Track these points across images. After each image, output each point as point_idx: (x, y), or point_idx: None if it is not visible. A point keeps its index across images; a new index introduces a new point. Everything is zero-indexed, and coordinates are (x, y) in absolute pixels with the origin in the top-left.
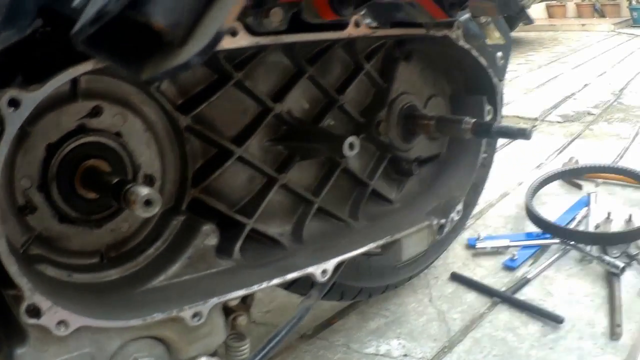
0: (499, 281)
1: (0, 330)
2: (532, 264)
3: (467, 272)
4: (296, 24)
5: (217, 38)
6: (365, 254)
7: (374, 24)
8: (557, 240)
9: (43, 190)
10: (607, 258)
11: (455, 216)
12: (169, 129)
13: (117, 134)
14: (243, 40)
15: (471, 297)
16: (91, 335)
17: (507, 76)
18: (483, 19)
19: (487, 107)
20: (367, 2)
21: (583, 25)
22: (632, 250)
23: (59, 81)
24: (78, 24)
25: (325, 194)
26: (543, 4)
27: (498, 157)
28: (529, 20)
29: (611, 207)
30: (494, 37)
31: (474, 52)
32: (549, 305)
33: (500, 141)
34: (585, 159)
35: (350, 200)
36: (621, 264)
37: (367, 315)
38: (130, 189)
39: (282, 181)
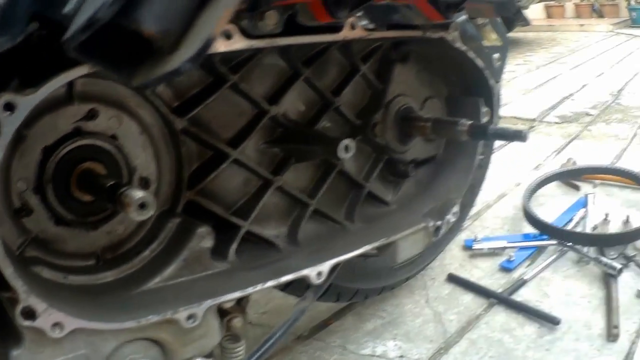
0: (496, 282)
1: None
2: (529, 265)
3: (464, 274)
4: (292, 27)
5: (207, 45)
6: (362, 256)
7: (370, 26)
8: (554, 242)
9: (39, 192)
10: (604, 259)
11: (451, 218)
12: (164, 131)
13: (113, 136)
14: (238, 43)
15: (468, 299)
16: (86, 337)
17: (506, 77)
18: (480, 21)
19: (484, 109)
20: (363, 5)
21: (581, 25)
22: (630, 251)
23: (53, 85)
24: (69, 30)
25: (321, 196)
26: (541, 4)
27: (496, 158)
28: (525, 22)
29: (609, 208)
30: (491, 38)
31: (471, 54)
32: (545, 306)
33: (498, 142)
34: (583, 160)
35: (346, 202)
36: (618, 265)
37: (364, 317)
38: (125, 192)
39: (277, 183)
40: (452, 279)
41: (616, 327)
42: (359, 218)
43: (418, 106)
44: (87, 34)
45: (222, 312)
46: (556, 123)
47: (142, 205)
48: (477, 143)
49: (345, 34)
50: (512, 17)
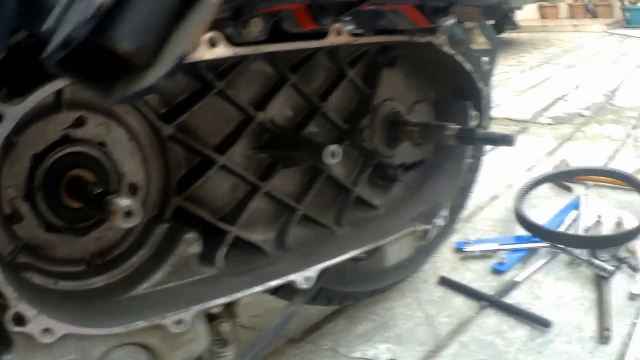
0: (488, 285)
1: None
2: (521, 267)
3: (455, 276)
4: (277, 33)
5: (181, 61)
6: (352, 260)
7: (357, 31)
8: (546, 244)
9: (29, 199)
10: (596, 261)
11: (440, 222)
12: (152, 138)
13: (101, 143)
14: (223, 50)
15: (459, 301)
16: (76, 342)
17: (498, 78)
18: (468, 24)
19: (473, 113)
20: (348, 11)
21: (575, 26)
22: (622, 253)
23: (40, 95)
24: (48, 47)
25: (309, 200)
26: (535, 5)
27: (488, 160)
28: (514, 26)
29: (601, 210)
30: (480, 42)
31: (459, 58)
32: (537, 309)
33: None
34: (576, 162)
35: (334, 206)
36: (611, 268)
37: (355, 319)
38: (111, 200)
39: (265, 189)
40: (444, 281)
41: (608, 329)
42: (348, 222)
43: (406, 110)
44: (65, 52)
45: (211, 317)
46: (549, 124)
47: (128, 213)
48: (465, 147)
49: (331, 40)
50: (501, 21)
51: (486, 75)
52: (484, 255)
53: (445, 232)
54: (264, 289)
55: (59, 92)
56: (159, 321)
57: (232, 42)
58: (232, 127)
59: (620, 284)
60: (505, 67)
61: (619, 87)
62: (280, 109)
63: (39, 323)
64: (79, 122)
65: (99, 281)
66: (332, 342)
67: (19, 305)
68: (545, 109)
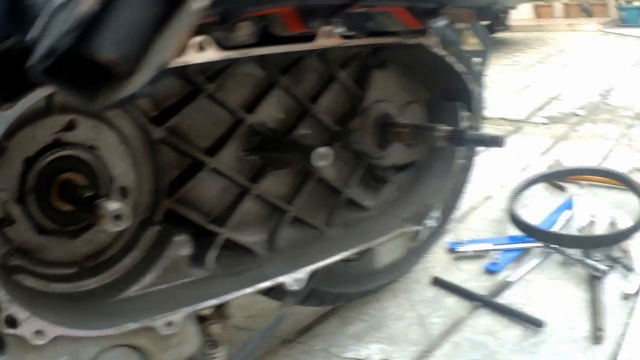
0: (481, 285)
1: None
2: (514, 267)
3: (448, 276)
4: (266, 36)
5: (162, 70)
6: (343, 261)
7: (348, 33)
8: (539, 244)
9: (21, 203)
10: (590, 261)
11: (432, 223)
12: (143, 141)
13: (92, 147)
14: (212, 54)
15: (452, 302)
16: (68, 343)
17: (493, 77)
18: (460, 26)
19: (463, 114)
20: (336, 14)
21: (570, 25)
22: (616, 253)
23: (31, 100)
24: (33, 57)
25: (300, 202)
26: (530, 4)
27: (482, 160)
28: (504, 27)
29: (595, 210)
30: (471, 43)
31: (450, 59)
32: (530, 309)
33: None
34: (570, 161)
35: (325, 208)
36: (604, 267)
37: (347, 320)
38: (100, 203)
39: (255, 191)
40: (436, 282)
41: (601, 329)
42: (339, 224)
43: (398, 112)
44: (49, 61)
45: (202, 319)
46: (543, 124)
47: (117, 217)
48: (455, 148)
49: (320, 42)
50: (493, 22)
51: (478, 76)
52: (477, 255)
53: (437, 232)
54: (254, 291)
55: (50, 97)
56: (149, 323)
57: (221, 45)
58: (222, 130)
59: (613, 284)
60: (499, 66)
61: (614, 87)
62: (270, 112)
63: (31, 325)
64: (70, 126)
65: (90, 283)
66: (324, 342)
67: (11, 307)
68: (540, 109)
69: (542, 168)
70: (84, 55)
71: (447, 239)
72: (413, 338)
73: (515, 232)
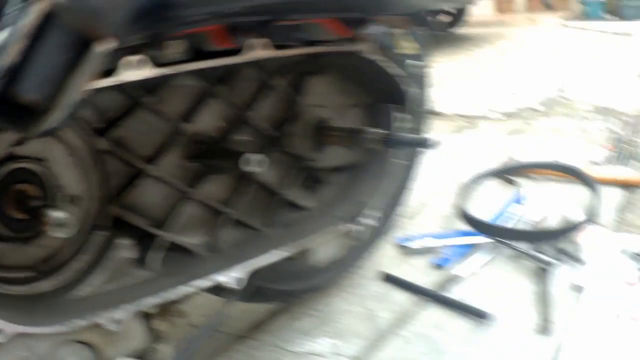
0: (429, 280)
1: None
2: (463, 262)
3: (397, 272)
4: (199, 52)
5: (76, 105)
6: (284, 259)
7: (280, 44)
8: (489, 239)
9: None
10: (538, 254)
11: (369, 221)
12: (90, 151)
13: (41, 159)
14: (147, 71)
15: (400, 296)
16: (26, 340)
17: (449, 74)
18: (398, 31)
19: (397, 116)
20: (263, 28)
21: (531, 19)
22: (566, 245)
23: None
24: None
25: (240, 205)
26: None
27: (434, 156)
28: (443, 31)
29: (546, 204)
30: (407, 46)
31: (386, 63)
32: (479, 302)
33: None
34: (526, 156)
35: (265, 209)
36: (553, 260)
37: (297, 315)
38: (46, 212)
39: (195, 195)
40: (385, 277)
41: (549, 320)
42: (279, 224)
43: (336, 115)
44: None
45: (148, 316)
46: (499, 119)
47: (60, 225)
48: (388, 149)
49: (251, 55)
50: (430, 27)
51: (417, 78)
52: (426, 250)
53: (380, 230)
54: (195, 290)
55: None
56: (98, 320)
57: (156, 63)
58: (162, 139)
59: (562, 276)
60: (455, 63)
61: (573, 81)
62: (209, 120)
63: None
64: (21, 141)
65: (45, 285)
66: (274, 337)
67: None
68: (496, 104)
69: (495, 163)
70: (12, 97)
71: (398, 234)
72: (361, 332)
73: (465, 227)
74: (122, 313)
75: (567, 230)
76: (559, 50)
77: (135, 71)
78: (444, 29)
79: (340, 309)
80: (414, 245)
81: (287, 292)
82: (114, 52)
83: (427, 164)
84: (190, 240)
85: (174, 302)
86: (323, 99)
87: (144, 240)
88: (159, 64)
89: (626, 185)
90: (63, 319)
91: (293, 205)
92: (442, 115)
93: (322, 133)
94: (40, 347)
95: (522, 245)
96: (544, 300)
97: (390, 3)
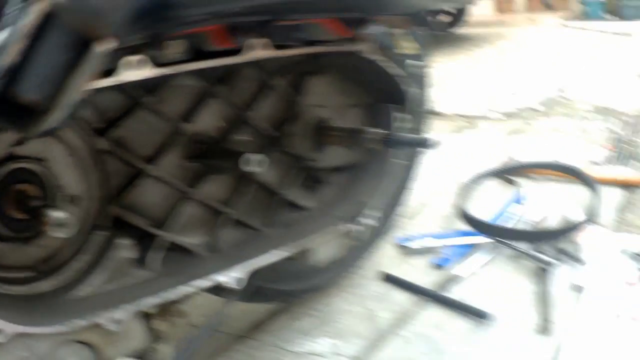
0: (429, 280)
1: None
2: (463, 262)
3: (397, 272)
4: (200, 51)
5: (75, 106)
6: (284, 259)
7: (280, 44)
8: (489, 239)
9: None
10: (538, 255)
11: (369, 221)
12: (90, 151)
13: (41, 159)
14: (148, 71)
15: (401, 296)
16: (25, 340)
17: (449, 74)
18: (398, 31)
19: (398, 116)
20: (262, 28)
21: (531, 19)
22: (566, 245)
23: None
24: None
25: (240, 205)
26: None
27: (434, 156)
28: (443, 31)
29: (546, 204)
30: (410, 47)
31: (386, 63)
32: (479, 302)
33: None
34: (526, 156)
35: (265, 209)
36: (553, 260)
37: (297, 315)
38: (45, 212)
39: (195, 196)
40: (385, 277)
41: (550, 320)
42: (279, 224)
43: (336, 115)
44: None
45: (148, 316)
46: (499, 119)
47: (60, 225)
48: (388, 148)
49: (251, 55)
50: (430, 27)
51: (417, 78)
52: (427, 250)
53: (380, 230)
54: (195, 290)
55: None
56: (97, 320)
57: (156, 63)
58: (162, 139)
59: (562, 276)
60: (455, 63)
61: (573, 81)
62: (209, 120)
63: None
64: (21, 141)
65: (45, 285)
66: (274, 337)
67: None
68: (496, 104)
69: (495, 163)
70: (11, 97)
71: (398, 234)
72: (361, 332)
73: (465, 227)
74: (122, 313)
75: (567, 230)
76: (559, 50)
77: (135, 71)
78: (444, 29)
79: (340, 309)
80: (414, 245)
81: (287, 292)
82: (114, 52)
83: (428, 164)
84: (190, 240)
85: (174, 302)
86: (323, 99)
87: (144, 240)
88: (159, 64)
89: (626, 185)
90: (63, 319)
91: (293, 205)
92: (442, 115)
93: (322, 133)
94: (40, 347)
95: (522, 245)
96: (544, 300)
97: (390, 3)
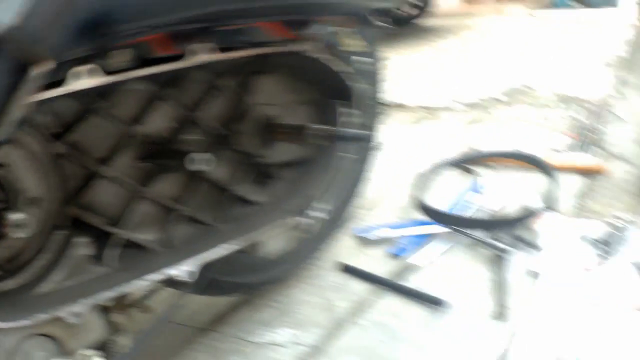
0: (387, 269)
1: None
2: (420, 251)
3: (355, 262)
4: (146, 59)
5: (17, 123)
6: (236, 252)
7: (224, 46)
8: (446, 228)
9: None
10: (495, 242)
11: (318, 214)
12: (49, 155)
13: (3, 164)
14: (97, 80)
15: (358, 286)
16: None
17: (412, 66)
18: (345, 29)
19: (345, 111)
20: (205, 34)
21: (497, 9)
22: (522, 233)
23: None
24: None
25: (192, 201)
26: None
27: (394, 146)
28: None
29: (504, 193)
30: (357, 44)
31: (332, 61)
32: (436, 291)
33: (397, 132)
34: (485, 145)
35: (216, 205)
36: (509, 247)
37: (257, 307)
38: (4, 214)
39: (148, 194)
40: (343, 267)
41: (504, 306)
42: (230, 219)
43: (284, 113)
44: None
45: (106, 309)
46: (461, 110)
47: (18, 226)
48: (334, 143)
49: (194, 59)
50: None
51: (367, 75)
52: (383, 240)
53: (335, 222)
54: (148, 283)
55: None
56: (58, 314)
57: (105, 71)
58: (115, 142)
59: (519, 263)
60: (419, 54)
61: (537, 70)
62: (160, 122)
63: None
64: None
65: (9, 284)
66: (236, 329)
67: None
68: (459, 95)
69: (455, 153)
70: None
71: (354, 226)
72: (320, 321)
73: (422, 217)
74: (81, 307)
75: (523, 217)
76: (525, 40)
77: (85, 80)
78: (408, 21)
79: (300, 300)
80: (371, 236)
81: (244, 284)
82: (60, 65)
83: (387, 156)
84: (145, 236)
85: (129, 296)
86: (271, 97)
87: (101, 238)
88: (107, 72)
89: (587, 172)
90: (27, 314)
91: (244, 201)
92: (404, 107)
93: (271, 130)
94: (7, 341)
95: (479, 234)
96: (499, 287)
97: (329, 5)
